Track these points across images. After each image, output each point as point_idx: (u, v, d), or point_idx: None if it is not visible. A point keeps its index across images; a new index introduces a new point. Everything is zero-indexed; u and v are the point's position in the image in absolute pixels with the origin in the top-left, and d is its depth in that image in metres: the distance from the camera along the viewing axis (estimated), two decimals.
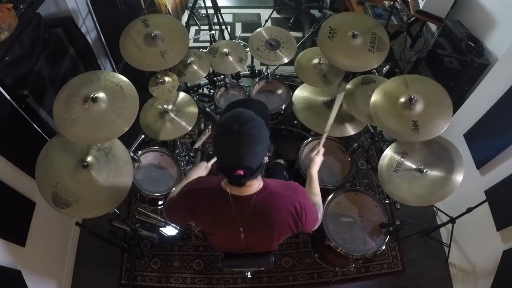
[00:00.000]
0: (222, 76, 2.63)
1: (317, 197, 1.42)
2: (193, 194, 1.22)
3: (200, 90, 2.95)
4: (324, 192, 1.65)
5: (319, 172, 1.51)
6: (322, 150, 1.57)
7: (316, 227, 1.34)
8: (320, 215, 1.36)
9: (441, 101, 1.67)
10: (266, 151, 1.06)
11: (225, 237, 1.37)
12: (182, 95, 2.13)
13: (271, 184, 1.18)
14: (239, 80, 2.76)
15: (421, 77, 1.81)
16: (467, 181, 1.70)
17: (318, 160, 1.54)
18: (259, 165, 1.06)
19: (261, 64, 2.59)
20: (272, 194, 1.15)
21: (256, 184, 1.13)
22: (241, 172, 1.01)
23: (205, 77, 2.42)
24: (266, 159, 1.08)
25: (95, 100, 1.53)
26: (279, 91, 2.47)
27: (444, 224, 2.18)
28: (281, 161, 2.07)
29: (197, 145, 1.97)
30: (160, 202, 2.07)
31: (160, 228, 2.20)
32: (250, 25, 3.86)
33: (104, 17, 2.64)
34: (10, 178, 1.69)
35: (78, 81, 1.62)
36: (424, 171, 1.69)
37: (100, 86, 1.61)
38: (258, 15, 4.02)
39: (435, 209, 2.37)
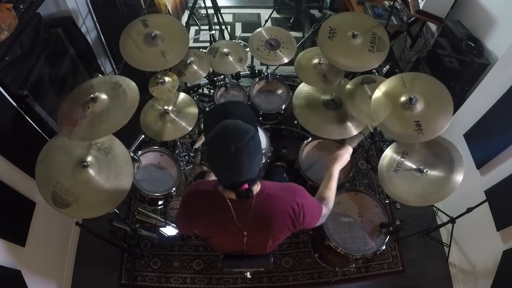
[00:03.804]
0: (222, 76, 2.63)
1: (330, 193, 1.39)
2: (191, 197, 1.22)
3: (200, 90, 2.95)
4: None
5: (319, 172, 1.49)
6: (350, 150, 1.53)
7: (320, 223, 1.31)
8: (326, 211, 1.32)
9: (440, 96, 1.66)
10: (262, 154, 1.07)
11: (226, 240, 1.37)
12: (182, 95, 2.13)
13: (269, 187, 1.17)
14: (239, 80, 2.76)
15: (417, 74, 1.78)
16: (467, 181, 1.69)
17: (345, 158, 1.50)
18: (259, 171, 1.07)
19: (261, 64, 2.59)
20: (270, 196, 1.15)
21: (255, 188, 1.13)
22: (247, 186, 1.04)
23: (205, 77, 2.42)
24: (262, 162, 1.09)
25: (95, 100, 1.55)
26: (279, 91, 2.47)
27: (444, 224, 2.18)
28: (281, 163, 2.07)
29: (197, 145, 1.97)
30: (160, 202, 2.07)
31: (160, 228, 2.20)
32: (250, 25, 3.86)
33: (104, 17, 2.64)
34: (10, 178, 1.69)
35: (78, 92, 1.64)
36: (424, 171, 1.68)
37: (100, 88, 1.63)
38: (258, 15, 4.02)
39: (435, 209, 2.37)
